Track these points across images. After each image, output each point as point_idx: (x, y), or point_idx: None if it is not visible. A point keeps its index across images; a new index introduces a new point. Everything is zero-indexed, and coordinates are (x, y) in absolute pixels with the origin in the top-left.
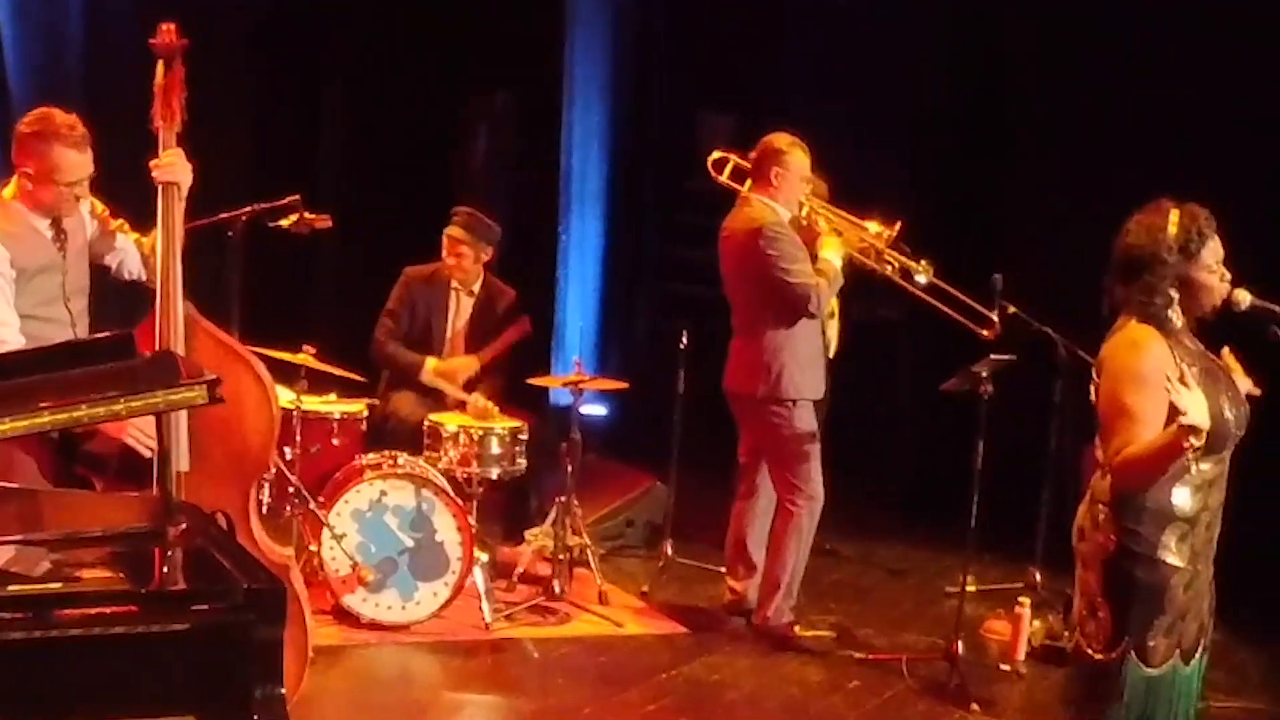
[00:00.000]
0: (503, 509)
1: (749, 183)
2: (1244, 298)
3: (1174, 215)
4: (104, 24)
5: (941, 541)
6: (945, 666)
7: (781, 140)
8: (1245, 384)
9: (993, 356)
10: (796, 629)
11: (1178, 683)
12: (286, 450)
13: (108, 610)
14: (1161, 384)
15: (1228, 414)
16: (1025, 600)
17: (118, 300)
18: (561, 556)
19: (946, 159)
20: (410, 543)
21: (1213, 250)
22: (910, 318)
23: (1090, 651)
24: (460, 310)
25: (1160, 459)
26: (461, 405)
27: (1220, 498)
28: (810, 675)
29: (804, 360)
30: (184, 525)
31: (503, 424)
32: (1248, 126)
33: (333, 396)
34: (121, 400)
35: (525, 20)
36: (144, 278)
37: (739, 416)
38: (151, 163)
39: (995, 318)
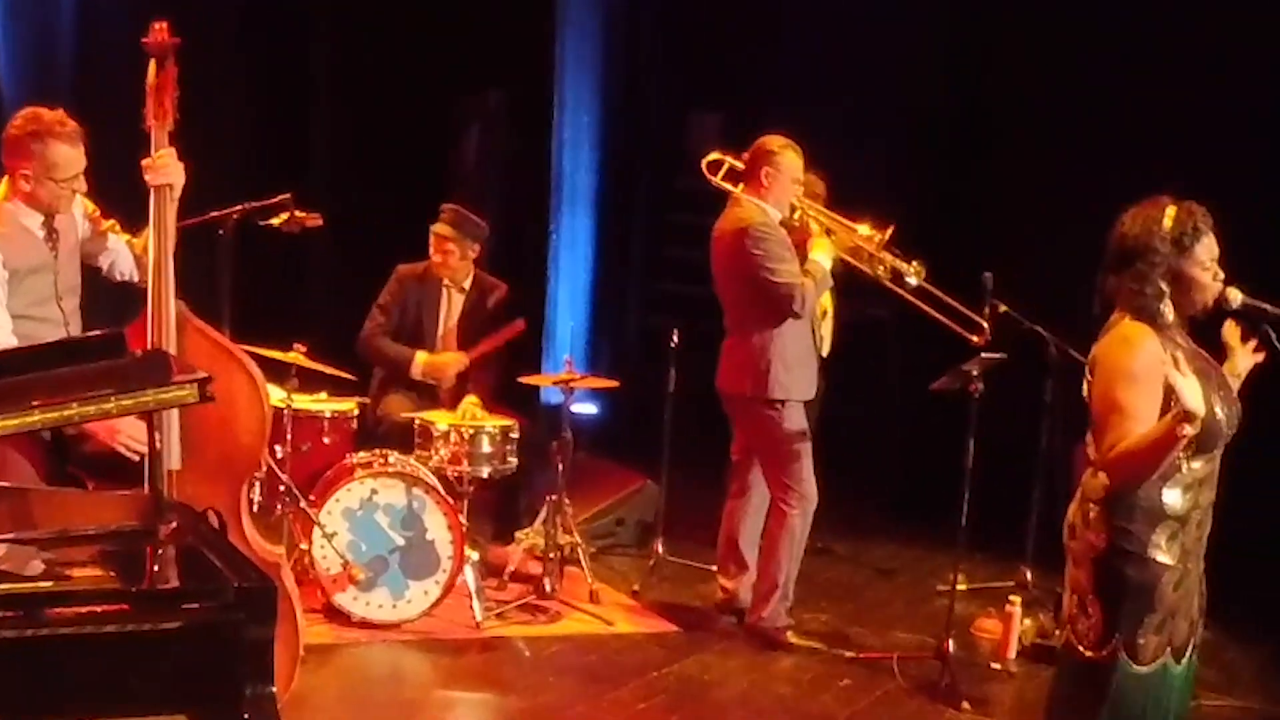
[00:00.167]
0: (493, 508)
1: (742, 184)
2: (1236, 296)
3: (1171, 210)
4: (95, 23)
5: (932, 540)
6: (936, 665)
7: (774, 142)
8: (1246, 358)
9: (983, 355)
10: (790, 635)
11: (1168, 681)
12: (277, 449)
13: (98, 609)
14: (1153, 381)
15: (1219, 412)
16: (1016, 599)
17: (108, 300)
18: (552, 555)
19: (938, 158)
20: (401, 541)
21: (1207, 247)
22: (900, 317)
23: (1081, 649)
24: (451, 307)
25: (1155, 451)
26: (453, 399)
27: (1211, 496)
28: (801, 674)
29: (792, 360)
30: (175, 524)
31: (493, 423)
32: (1240, 126)
33: (324, 395)
34: (112, 399)
35: (517, 19)
36: (135, 278)
37: (732, 416)
38: (144, 163)
39: (985, 324)
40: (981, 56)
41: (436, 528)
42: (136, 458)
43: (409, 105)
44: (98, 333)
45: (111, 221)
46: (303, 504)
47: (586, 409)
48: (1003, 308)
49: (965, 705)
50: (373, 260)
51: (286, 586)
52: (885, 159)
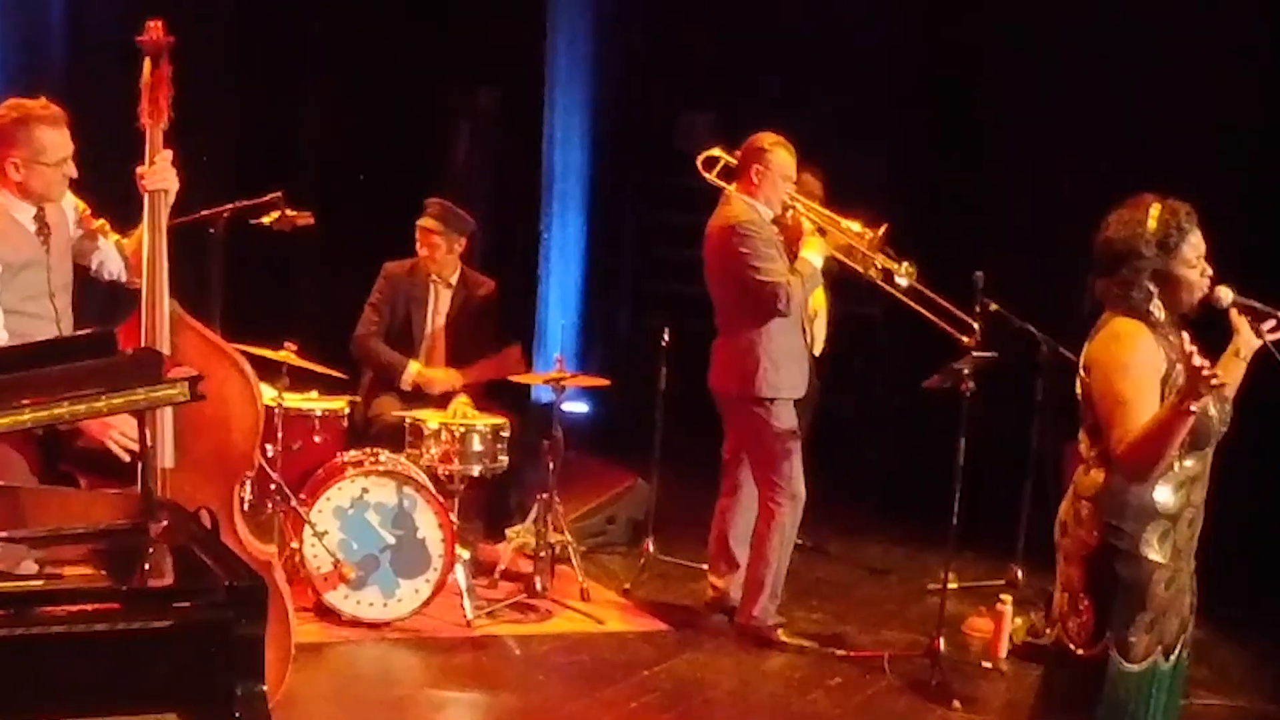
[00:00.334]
0: (484, 506)
1: (735, 181)
2: (1225, 295)
3: (1154, 210)
4: (86, 22)
5: (923, 539)
6: (927, 664)
7: (765, 139)
8: (1249, 341)
9: (974, 354)
10: (781, 633)
11: (1159, 679)
12: (268, 447)
13: (89, 607)
14: (1150, 372)
15: (1211, 410)
16: (1007, 598)
17: (95, 301)
18: (543, 554)
19: (929, 157)
20: (392, 540)
21: (1193, 246)
22: (892, 315)
23: (1072, 647)
24: (439, 304)
25: (1166, 432)
26: (444, 398)
27: (1203, 494)
28: (792, 672)
29: (780, 359)
30: (165, 522)
31: (484, 421)
32: (1229, 124)
33: (314, 394)
34: (103, 397)
35: (507, 19)
36: (124, 279)
37: (723, 414)
38: (140, 170)
39: (975, 325)
40: (973, 55)
41: (427, 526)
42: (128, 456)
43: (400, 104)
44: (89, 331)
45: (102, 221)
46: (294, 503)
47: (577, 407)
48: (994, 306)
49: (956, 704)
50: (364, 259)
51: (278, 585)
52: (876, 157)
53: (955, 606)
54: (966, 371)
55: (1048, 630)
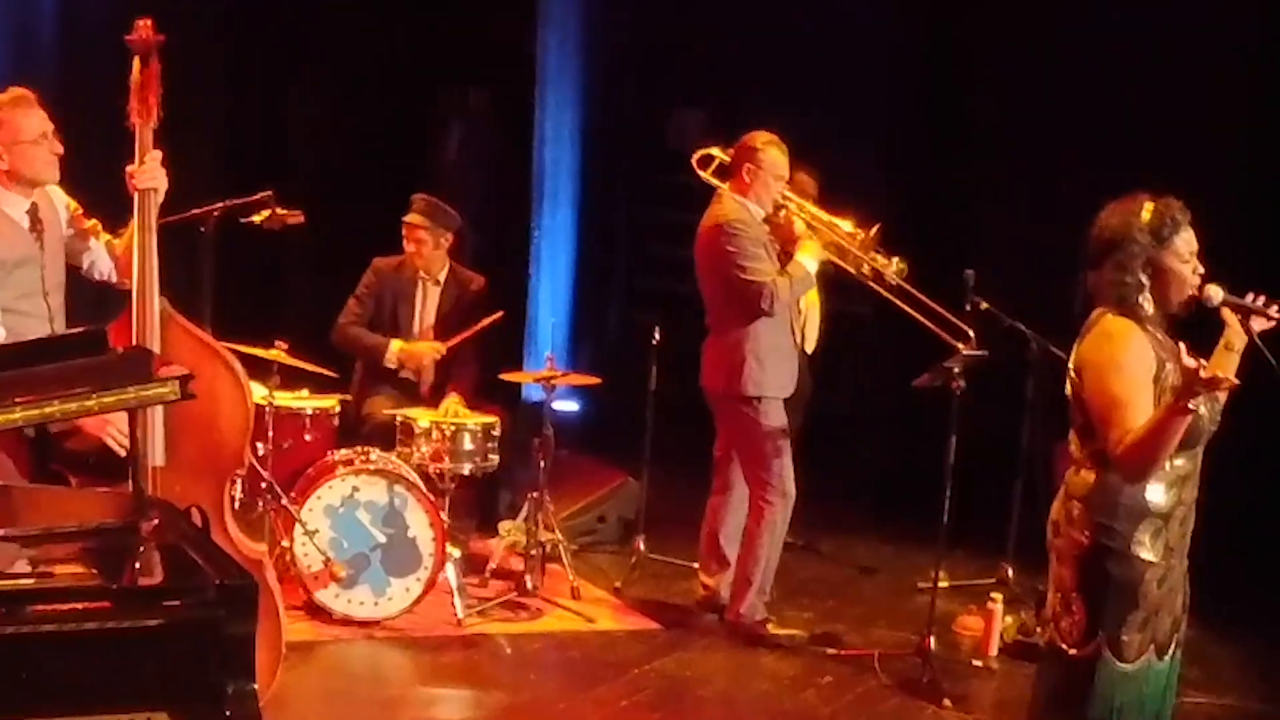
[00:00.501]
0: (475, 504)
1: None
2: (1216, 293)
3: (1148, 204)
4: (75, 20)
5: (914, 537)
6: (918, 662)
7: (758, 138)
8: (1240, 335)
9: (964, 352)
10: (769, 626)
11: (1152, 678)
12: (259, 446)
13: (80, 606)
14: (1144, 370)
15: (1202, 409)
16: (997, 596)
17: (85, 300)
18: (534, 552)
19: (920, 155)
20: (383, 538)
21: (1186, 241)
22: (882, 314)
23: (1064, 647)
24: (428, 301)
25: (1164, 432)
26: (435, 396)
27: (1194, 493)
28: (783, 671)
29: (767, 357)
30: (156, 521)
31: (475, 420)
32: (1221, 123)
33: (305, 392)
34: (94, 396)
35: (498, 17)
36: (114, 279)
37: (714, 413)
38: (130, 169)
39: (971, 332)
40: (964, 52)
41: (418, 525)
42: (124, 452)
43: (391, 103)
44: (79, 330)
45: (93, 222)
46: (284, 501)
47: (568, 406)
48: (984, 305)
49: (946, 702)
50: (354, 257)
51: (269, 584)
52: (867, 156)
53: (946, 605)
54: (957, 370)
55: (1039, 629)
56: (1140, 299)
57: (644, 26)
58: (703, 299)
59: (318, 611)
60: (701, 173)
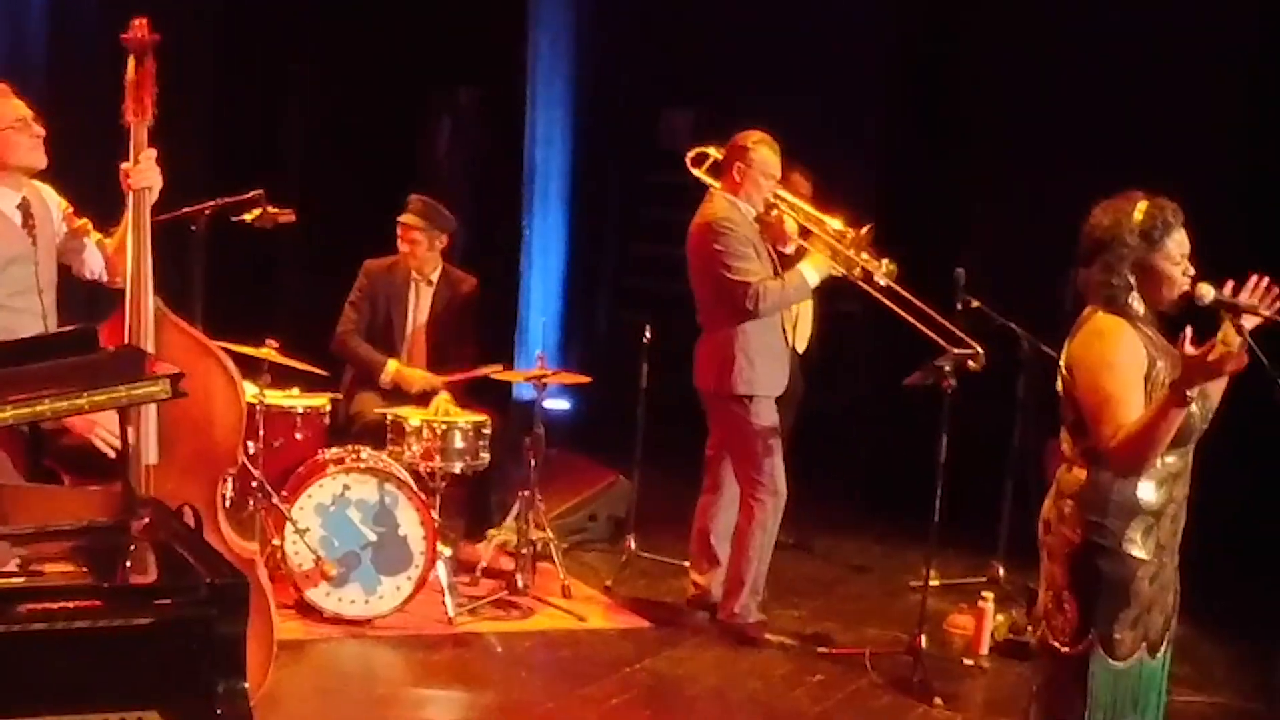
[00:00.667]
0: (466, 503)
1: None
2: (1207, 292)
3: (1142, 204)
4: (68, 19)
5: (905, 536)
6: (909, 661)
7: (749, 137)
8: (1235, 337)
9: (955, 351)
10: (767, 635)
11: (1144, 676)
12: (250, 444)
13: (71, 604)
14: (1135, 367)
15: (1193, 406)
16: (988, 595)
17: (76, 300)
18: (524, 551)
19: (911, 153)
20: (373, 537)
21: (1177, 242)
22: (874, 312)
23: (1056, 645)
24: (420, 301)
25: (1160, 423)
26: (425, 396)
27: (1185, 491)
28: (774, 670)
29: (757, 356)
30: (148, 519)
31: (466, 418)
32: (1215, 121)
33: (296, 391)
34: (85, 394)
35: (489, 16)
36: (105, 278)
37: (707, 411)
38: (124, 167)
39: (979, 349)
40: (955, 51)
41: (409, 523)
42: (113, 453)
43: (381, 101)
44: (70, 328)
45: (84, 221)
46: (275, 500)
47: (559, 404)
48: (975, 303)
49: (937, 700)
50: (345, 256)
51: (260, 583)
52: (858, 154)
53: (937, 603)
54: (948, 369)
55: (1030, 628)
56: (1130, 299)
57: (635, 25)
58: (694, 297)
59: (308, 610)
60: (694, 170)
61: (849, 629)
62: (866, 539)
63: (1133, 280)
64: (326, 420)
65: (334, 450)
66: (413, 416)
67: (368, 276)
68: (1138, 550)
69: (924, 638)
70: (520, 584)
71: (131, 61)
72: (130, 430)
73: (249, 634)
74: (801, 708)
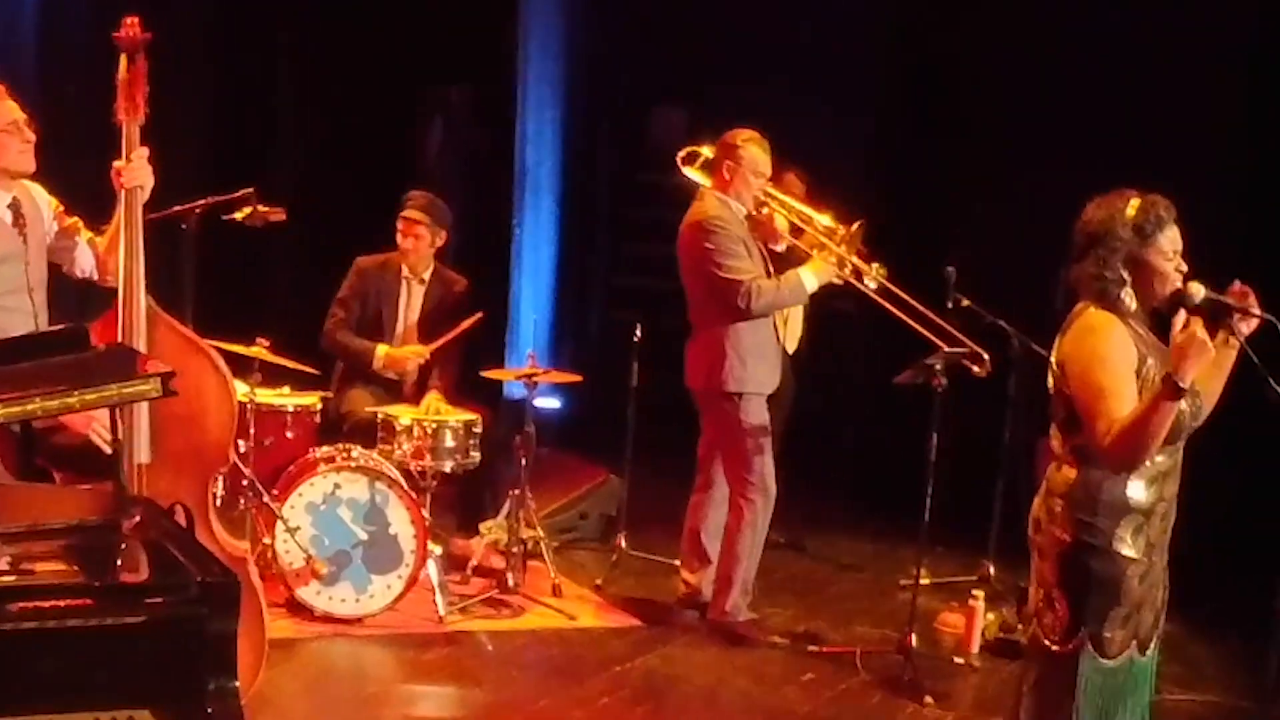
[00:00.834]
0: (457, 502)
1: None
2: (1198, 291)
3: (1134, 200)
4: (58, 18)
5: (895, 534)
6: (899, 659)
7: (738, 135)
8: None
9: (946, 349)
10: (756, 632)
11: (1134, 674)
12: (240, 443)
13: (62, 603)
14: (1127, 362)
15: (1183, 404)
16: (979, 593)
17: (67, 299)
18: (515, 549)
19: (903, 152)
20: (364, 536)
21: (1170, 239)
22: (865, 311)
23: (1047, 643)
24: (411, 300)
25: (1152, 417)
26: (416, 393)
27: (1175, 489)
28: (764, 668)
29: (748, 354)
30: (139, 518)
31: (456, 417)
32: (1209, 119)
33: (286, 389)
34: (75, 393)
35: (480, 14)
36: (96, 277)
37: (699, 410)
38: (117, 165)
39: (986, 356)
40: (948, 50)
41: (399, 522)
42: (110, 449)
43: (373, 100)
44: (61, 326)
45: (75, 219)
46: (266, 498)
47: (550, 403)
48: (965, 302)
49: (928, 699)
50: (336, 255)
51: (252, 581)
52: (850, 152)
53: (927, 602)
54: (938, 367)
55: (1020, 626)
56: (1121, 294)
57: (625, 25)
58: (685, 296)
59: (299, 609)
60: (685, 168)
61: (839, 627)
62: (857, 538)
63: (1125, 275)
64: (317, 419)
65: (325, 449)
66: (403, 415)
67: (359, 274)
68: (1128, 549)
69: (914, 636)
70: (511, 582)
71: (123, 60)
72: (121, 429)
73: (240, 633)
74: (792, 706)
